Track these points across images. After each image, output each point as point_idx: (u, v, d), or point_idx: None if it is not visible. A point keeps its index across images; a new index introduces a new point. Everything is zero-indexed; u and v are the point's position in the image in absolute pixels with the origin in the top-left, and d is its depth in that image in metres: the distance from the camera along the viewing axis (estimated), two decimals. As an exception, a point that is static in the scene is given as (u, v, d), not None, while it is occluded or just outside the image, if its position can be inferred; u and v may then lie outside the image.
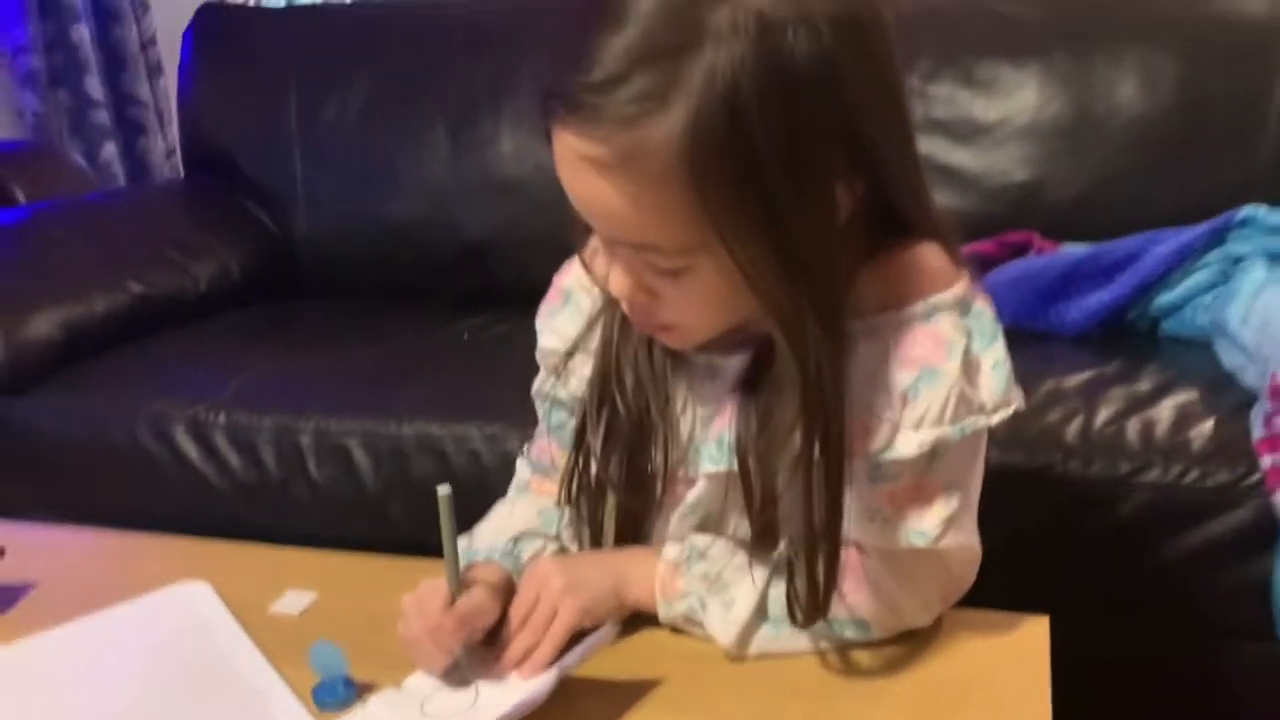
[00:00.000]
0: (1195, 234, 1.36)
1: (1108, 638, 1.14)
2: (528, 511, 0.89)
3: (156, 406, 1.48)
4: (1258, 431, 1.11)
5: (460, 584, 0.77)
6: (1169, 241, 1.38)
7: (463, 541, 0.85)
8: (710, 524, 0.80)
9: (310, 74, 2.00)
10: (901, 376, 0.69)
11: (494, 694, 0.74)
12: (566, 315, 0.85)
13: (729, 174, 0.60)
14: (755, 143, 0.59)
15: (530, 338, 1.63)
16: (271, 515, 1.42)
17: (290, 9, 2.76)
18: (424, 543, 1.35)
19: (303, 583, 0.92)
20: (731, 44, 0.58)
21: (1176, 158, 1.55)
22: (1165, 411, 1.17)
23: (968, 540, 0.74)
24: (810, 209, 0.63)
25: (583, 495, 0.83)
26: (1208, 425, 1.14)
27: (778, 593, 0.76)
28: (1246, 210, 1.35)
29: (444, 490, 0.77)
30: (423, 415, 1.39)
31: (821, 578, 0.71)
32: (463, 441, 1.36)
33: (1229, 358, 1.25)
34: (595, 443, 0.80)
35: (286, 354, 1.59)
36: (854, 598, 0.75)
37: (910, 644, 0.78)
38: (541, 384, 0.88)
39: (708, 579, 0.77)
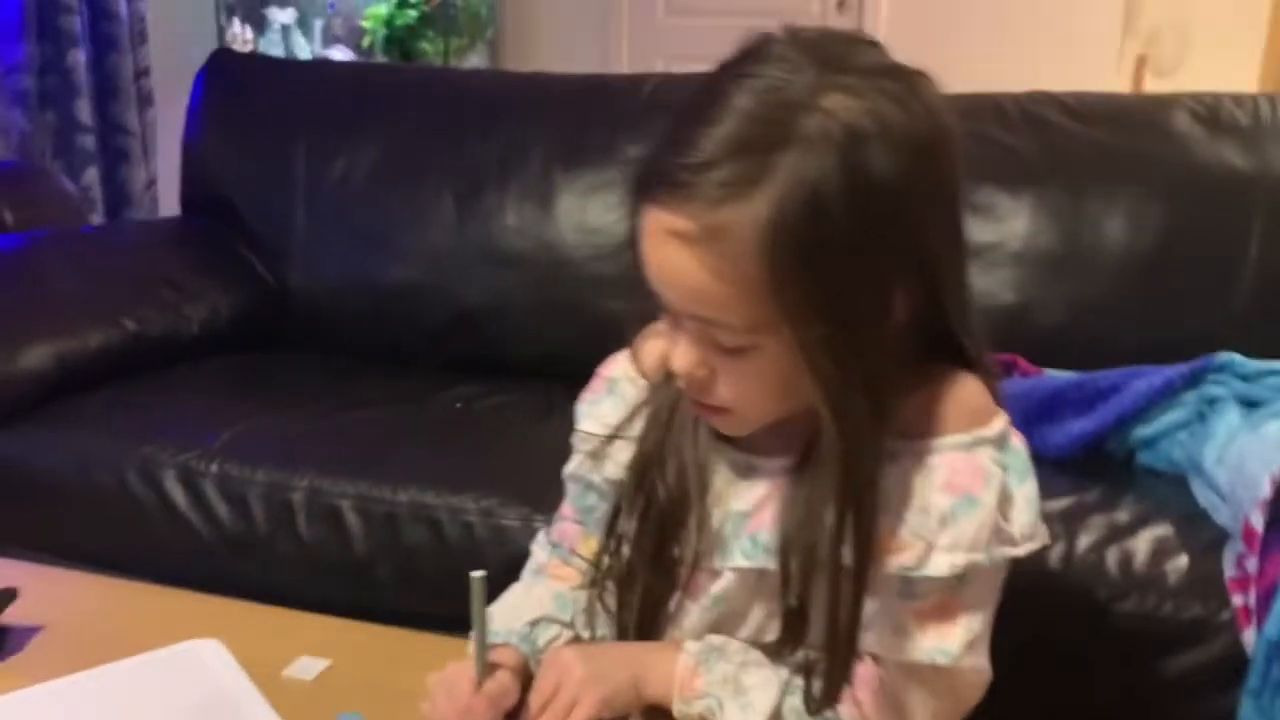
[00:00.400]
0: (1174, 373, 1.43)
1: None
2: (544, 596, 0.91)
3: (147, 450, 1.48)
4: (1229, 571, 1.16)
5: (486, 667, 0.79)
6: (1149, 377, 1.44)
7: None
8: (731, 617, 0.83)
9: (321, 129, 2.03)
10: (942, 501, 0.73)
11: None
12: (610, 403, 0.89)
13: (802, 263, 0.66)
14: (829, 239, 0.66)
15: (523, 413, 1.68)
16: (256, 569, 1.42)
17: (307, 63, 2.81)
18: (408, 611, 1.38)
19: (315, 648, 0.93)
20: (819, 149, 0.65)
21: (1157, 296, 1.63)
22: (1143, 543, 1.22)
23: (983, 662, 0.77)
24: (870, 305, 0.69)
25: (611, 578, 0.86)
26: (1183, 560, 1.20)
27: (794, 701, 0.78)
28: (1223, 356, 1.42)
29: (478, 575, 0.79)
30: (417, 483, 1.41)
31: (835, 677, 0.75)
32: (457, 513, 1.38)
33: (1203, 495, 1.31)
34: (629, 526, 0.83)
35: (279, 408, 1.60)
36: (868, 709, 0.77)
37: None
38: (576, 468, 0.91)
39: (727, 681, 0.79)
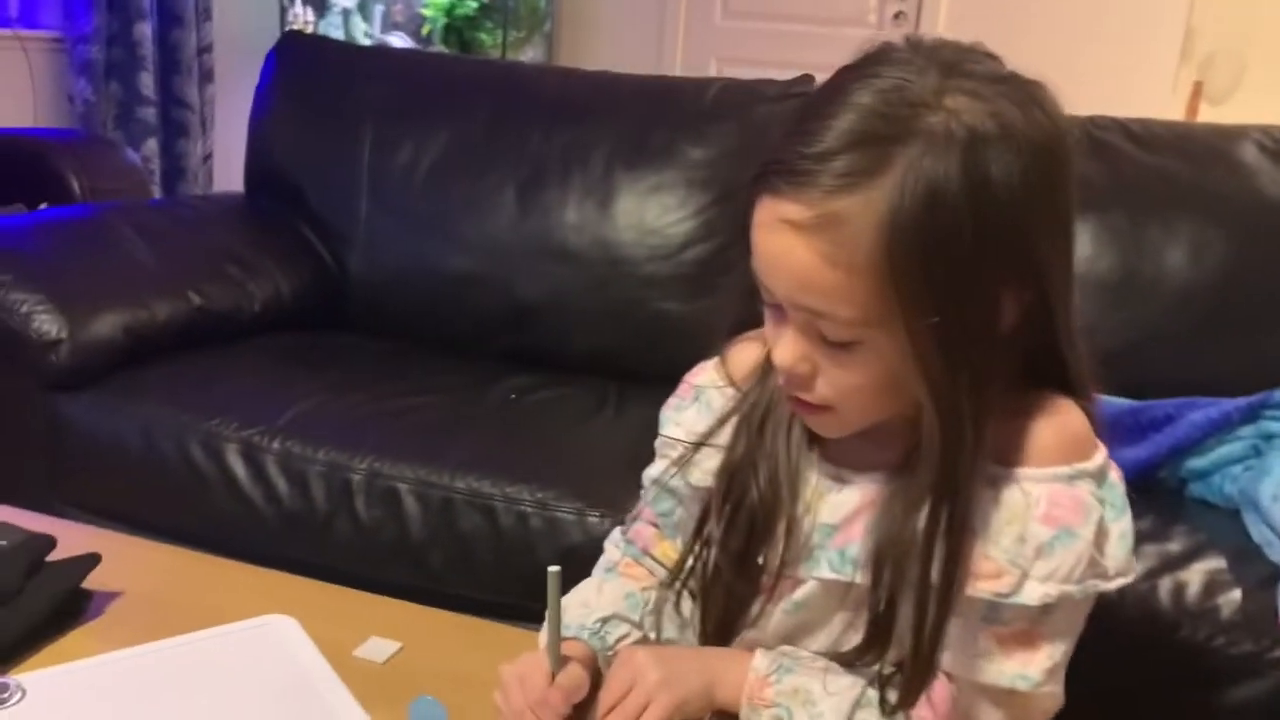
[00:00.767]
0: (1233, 406, 1.43)
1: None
2: (615, 594, 0.92)
3: (211, 424, 1.51)
4: (1283, 608, 1.17)
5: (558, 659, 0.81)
6: (1206, 409, 1.45)
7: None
8: (810, 625, 0.84)
9: (388, 116, 2.05)
10: (1040, 531, 0.74)
11: None
12: (695, 410, 0.90)
13: (917, 256, 0.66)
14: (946, 234, 0.66)
15: (576, 409, 1.70)
16: (312, 547, 1.45)
17: (376, 49, 2.84)
18: (460, 596, 1.40)
19: (385, 630, 0.95)
20: (941, 146, 0.66)
21: (1217, 328, 1.63)
22: (1195, 575, 1.23)
23: (1059, 690, 0.78)
24: (982, 305, 0.70)
25: (696, 581, 0.87)
26: (1236, 594, 1.20)
27: (863, 715, 0.78)
28: (1283, 393, 1.43)
29: (554, 570, 0.80)
30: (475, 471, 1.43)
31: (912, 690, 0.76)
32: (513, 502, 1.40)
33: (1257, 531, 1.32)
34: (716, 531, 0.84)
35: (339, 389, 1.62)
36: None
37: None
38: (659, 473, 0.92)
39: (798, 692, 0.80)
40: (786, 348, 0.74)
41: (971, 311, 0.69)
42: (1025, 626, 0.75)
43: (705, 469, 0.87)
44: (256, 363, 1.73)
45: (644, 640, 0.91)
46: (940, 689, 0.78)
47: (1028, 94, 0.70)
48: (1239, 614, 1.18)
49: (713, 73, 3.77)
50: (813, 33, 3.86)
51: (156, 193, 3.34)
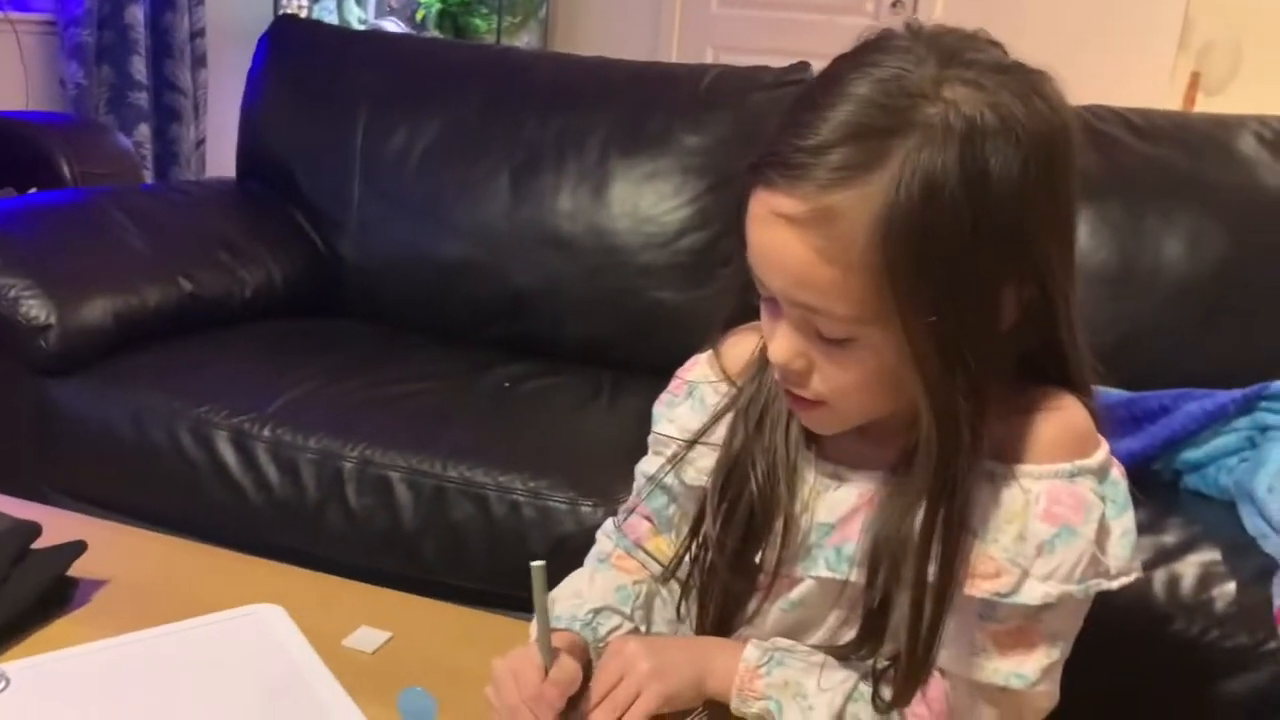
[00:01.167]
0: (1228, 398, 1.43)
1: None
2: (606, 586, 0.92)
3: (201, 411, 1.50)
4: (1278, 601, 1.16)
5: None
6: (1201, 401, 1.44)
7: None
8: (807, 622, 0.83)
9: (381, 101, 2.04)
10: (1041, 529, 0.72)
11: None
12: (688, 407, 0.88)
13: (915, 251, 0.65)
14: (944, 229, 0.65)
15: (570, 397, 1.69)
16: (303, 536, 1.44)
17: (370, 33, 2.82)
18: (452, 585, 1.39)
19: (374, 620, 0.94)
20: (939, 138, 0.64)
21: (1214, 319, 1.62)
22: (1190, 567, 1.22)
23: (1055, 689, 0.77)
24: (981, 300, 0.68)
25: (691, 578, 0.86)
26: (1230, 587, 1.20)
27: (855, 709, 0.78)
28: (1278, 384, 1.42)
29: (538, 564, 0.79)
30: (467, 460, 1.42)
31: (908, 687, 0.75)
32: (505, 492, 1.39)
33: (1252, 523, 1.31)
34: (713, 530, 0.83)
35: (331, 376, 1.61)
36: None
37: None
38: (653, 469, 0.90)
39: (789, 684, 0.79)
40: (782, 344, 0.72)
41: (970, 309, 0.68)
42: (1022, 624, 0.74)
43: (700, 467, 0.86)
44: (247, 349, 1.72)
45: (635, 632, 0.90)
46: (935, 687, 0.77)
47: (1030, 84, 0.68)
48: (1234, 606, 1.17)
49: (709, 60, 3.76)
50: (809, 20, 3.84)
51: (149, 178, 3.31)
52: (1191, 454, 1.44)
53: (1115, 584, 0.75)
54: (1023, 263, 0.69)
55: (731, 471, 0.83)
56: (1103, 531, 0.74)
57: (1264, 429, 1.42)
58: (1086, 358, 0.77)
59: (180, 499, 1.50)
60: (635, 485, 0.94)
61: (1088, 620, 1.10)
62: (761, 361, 0.84)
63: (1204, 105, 3.69)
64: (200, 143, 3.59)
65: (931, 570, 0.72)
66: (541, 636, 0.80)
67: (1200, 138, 1.73)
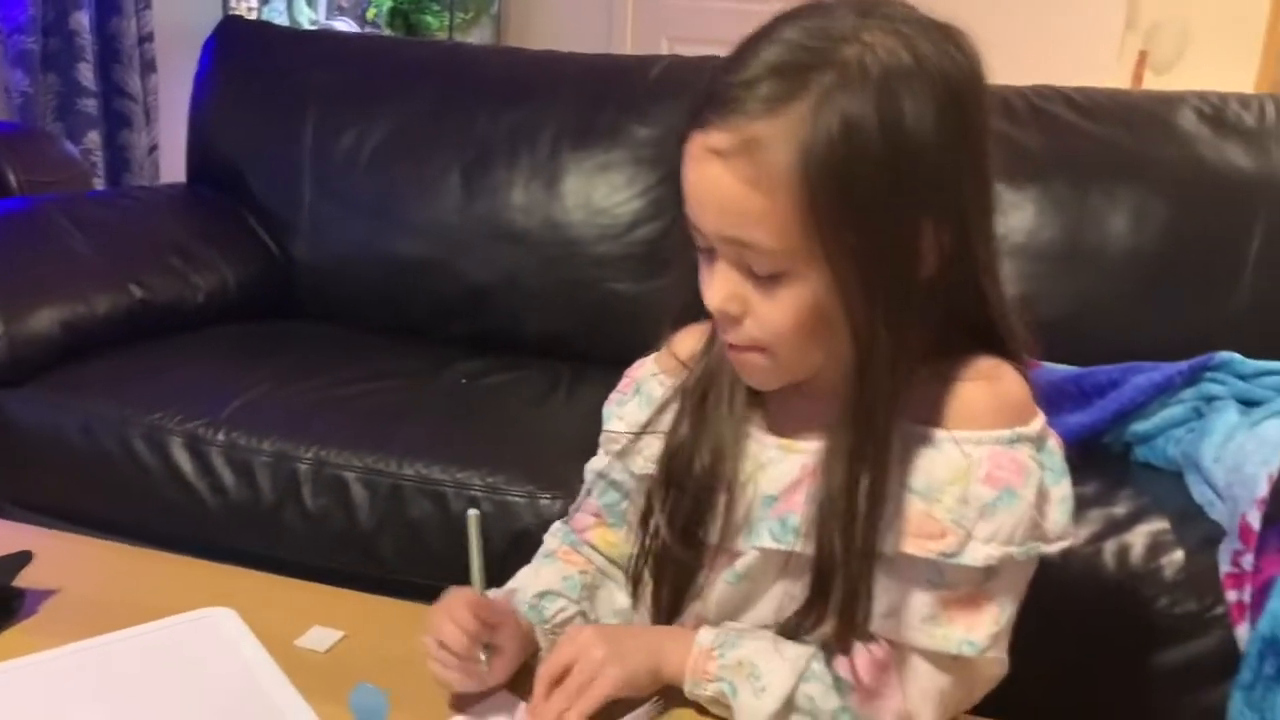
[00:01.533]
0: (1174, 370, 1.45)
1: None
2: (552, 575, 0.93)
3: (154, 417, 1.49)
4: (1225, 567, 1.18)
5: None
6: (1149, 374, 1.46)
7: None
8: (754, 594, 0.84)
9: (330, 101, 2.03)
10: (983, 492, 0.74)
11: None
12: (636, 403, 0.90)
13: (835, 183, 0.68)
14: (860, 163, 0.68)
15: (528, 391, 1.69)
16: (262, 539, 1.44)
17: (317, 33, 2.80)
18: (412, 584, 1.39)
19: (327, 619, 0.93)
20: (856, 76, 0.69)
21: (1159, 293, 1.65)
22: (1139, 537, 1.24)
23: (1004, 655, 0.78)
24: (898, 236, 0.71)
25: (644, 562, 0.87)
26: (1178, 555, 1.22)
27: (808, 688, 0.78)
28: (1222, 355, 1.44)
29: (474, 513, 0.83)
30: (423, 457, 1.42)
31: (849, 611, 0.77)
32: (462, 488, 1.39)
33: (1199, 491, 1.33)
34: (660, 510, 0.85)
35: (285, 378, 1.60)
36: (883, 700, 0.78)
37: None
38: (603, 466, 0.92)
39: (742, 665, 0.80)
40: (717, 286, 0.75)
41: (889, 242, 0.71)
42: (970, 590, 0.75)
43: (647, 456, 0.87)
44: (201, 354, 1.70)
45: (581, 617, 0.91)
46: (879, 652, 0.78)
47: (945, 34, 0.72)
48: (1182, 574, 1.19)
49: (664, 51, 3.76)
50: (762, 10, 3.80)
51: (100, 185, 3.27)
52: (1140, 426, 1.47)
53: (1054, 548, 0.77)
54: (938, 202, 0.72)
55: (676, 453, 0.84)
56: (1041, 497, 0.76)
57: (1210, 399, 1.44)
58: (1018, 325, 0.79)
59: (135, 506, 1.49)
60: (585, 484, 0.95)
61: (1039, 590, 1.12)
62: (706, 346, 0.86)
63: (1152, 84, 3.73)
64: (153, 149, 3.55)
65: (857, 528, 0.74)
66: (477, 585, 0.83)
67: (1142, 115, 1.75)
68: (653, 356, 0.91)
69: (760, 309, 0.74)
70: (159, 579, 1.01)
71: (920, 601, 0.76)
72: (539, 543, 0.99)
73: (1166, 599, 1.18)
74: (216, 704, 0.83)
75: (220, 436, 1.46)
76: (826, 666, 0.78)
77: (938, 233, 0.72)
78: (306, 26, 3.69)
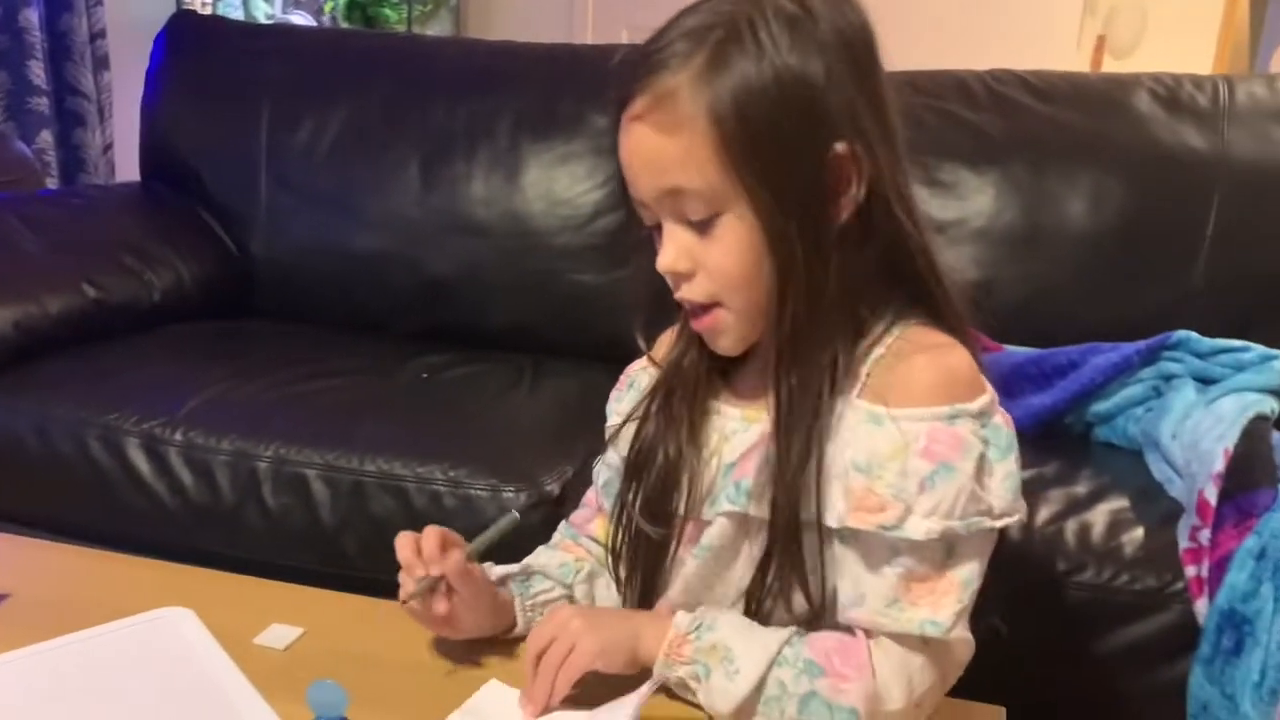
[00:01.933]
0: (1132, 350, 1.46)
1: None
2: (548, 560, 0.96)
3: (109, 418, 1.47)
4: (1183, 543, 1.19)
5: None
6: (1108, 354, 1.47)
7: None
8: (723, 562, 0.84)
9: (285, 95, 2.00)
10: (921, 465, 0.75)
11: None
12: (630, 396, 0.94)
13: (740, 125, 0.74)
14: (757, 101, 0.74)
15: (490, 384, 1.68)
16: (222, 539, 1.42)
17: (271, 26, 2.76)
18: (376, 580, 1.37)
19: (286, 616, 0.93)
20: (749, 28, 0.75)
21: (1117, 274, 1.66)
22: (1100, 516, 1.25)
23: (969, 635, 0.79)
24: (806, 175, 0.76)
25: (621, 543, 0.90)
26: (1138, 532, 1.23)
27: (779, 673, 0.78)
28: (1180, 334, 1.45)
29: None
30: (385, 453, 1.41)
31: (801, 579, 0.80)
32: (425, 483, 1.38)
33: (1158, 469, 1.34)
34: (628, 489, 0.88)
35: (244, 376, 1.58)
36: (852, 684, 0.77)
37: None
38: (604, 456, 0.95)
39: (716, 649, 0.80)
40: (666, 249, 0.79)
41: (795, 171, 0.75)
42: (929, 571, 0.76)
43: (629, 439, 0.90)
44: (157, 353, 1.68)
45: (567, 600, 0.94)
46: (859, 651, 0.78)
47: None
48: (1141, 550, 1.20)
49: (624, 42, 3.74)
50: (723, -1, 3.84)
51: (54, 185, 3.22)
52: (1100, 406, 1.48)
53: (1000, 523, 0.77)
54: (837, 134, 0.76)
55: (642, 434, 0.88)
56: (984, 472, 0.77)
57: (1168, 378, 1.45)
58: (955, 292, 0.83)
59: (92, 509, 1.46)
60: (594, 478, 0.98)
61: (1001, 568, 1.13)
62: (673, 345, 0.90)
63: (1111, 69, 3.76)
64: (108, 147, 3.49)
65: (782, 491, 0.78)
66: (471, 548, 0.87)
67: (1098, 97, 1.76)
68: (646, 355, 0.95)
69: (707, 259, 0.78)
70: (114, 580, 0.99)
71: (883, 585, 0.77)
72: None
73: (1127, 575, 1.19)
74: (174, 704, 0.82)
75: (178, 436, 1.44)
76: (799, 651, 0.79)
77: (842, 174, 0.76)
78: (262, 21, 3.65)
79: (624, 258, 1.84)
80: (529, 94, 1.93)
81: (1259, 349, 1.41)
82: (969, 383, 0.78)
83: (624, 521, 0.90)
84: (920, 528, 0.74)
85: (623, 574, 0.91)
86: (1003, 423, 0.79)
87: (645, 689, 0.79)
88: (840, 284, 0.77)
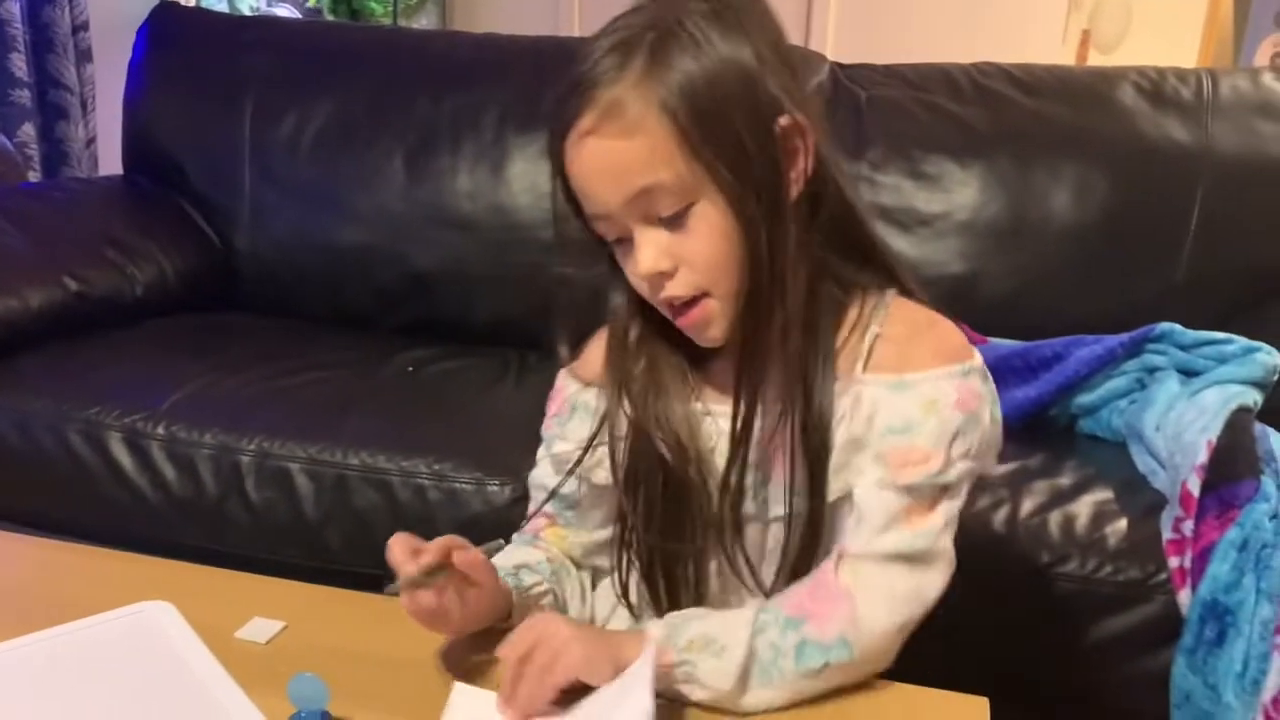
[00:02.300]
0: (1116, 342, 1.46)
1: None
2: (526, 555, 0.95)
3: (91, 412, 1.46)
4: (1167, 534, 1.20)
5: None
6: (1092, 347, 1.48)
7: None
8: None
9: (269, 87, 1.99)
10: (955, 416, 0.81)
11: None
12: (578, 420, 0.92)
13: (688, 107, 0.76)
14: (699, 84, 0.76)
15: (475, 377, 1.67)
16: (206, 533, 1.41)
17: (254, 18, 2.74)
18: (360, 574, 1.37)
19: (267, 610, 0.92)
20: (672, 24, 0.78)
21: (1101, 267, 1.67)
22: (1084, 507, 1.26)
23: (951, 547, 0.84)
24: (758, 148, 0.78)
25: (629, 563, 0.91)
26: (1122, 524, 1.23)
27: (765, 638, 0.80)
28: (1163, 326, 1.46)
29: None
30: (369, 446, 1.40)
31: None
32: (409, 476, 1.38)
33: (1142, 461, 1.35)
34: (637, 515, 0.88)
35: (227, 370, 1.58)
36: (833, 616, 0.81)
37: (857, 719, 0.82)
38: (556, 483, 0.94)
39: (694, 643, 0.80)
40: (645, 254, 0.79)
41: (754, 154, 0.77)
42: (931, 498, 0.82)
43: (607, 466, 0.89)
44: (139, 348, 1.67)
45: (553, 596, 0.93)
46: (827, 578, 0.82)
47: None
48: (1125, 542, 1.21)
49: (611, 36, 3.73)
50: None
51: (37, 179, 3.20)
52: (1085, 398, 1.48)
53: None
54: (780, 109, 0.79)
55: (636, 450, 0.87)
56: (991, 420, 0.84)
57: (1151, 370, 1.46)
58: (893, 253, 0.88)
59: (75, 504, 1.45)
60: (534, 498, 0.97)
61: (987, 560, 1.14)
62: (609, 349, 0.90)
63: (1097, 63, 3.77)
64: (91, 141, 3.47)
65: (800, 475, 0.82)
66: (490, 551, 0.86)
67: (1082, 90, 1.77)
68: (568, 372, 0.94)
69: (687, 253, 0.79)
70: (94, 575, 0.98)
71: (878, 515, 0.81)
72: (488, 529, 1.01)
73: (1111, 567, 1.19)
74: (154, 698, 0.81)
75: (160, 430, 1.43)
76: (777, 613, 0.81)
77: (790, 140, 0.79)
78: (246, 13, 3.62)
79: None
80: (514, 87, 1.92)
81: (1242, 341, 1.42)
82: (965, 345, 0.85)
83: (630, 545, 0.90)
84: (955, 471, 0.81)
85: (644, 596, 0.92)
86: (989, 378, 0.86)
87: (646, 663, 0.76)
88: (802, 257, 0.81)
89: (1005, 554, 1.20)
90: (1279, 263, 1.64)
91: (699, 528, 0.87)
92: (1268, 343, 1.40)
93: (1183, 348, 1.45)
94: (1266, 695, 1.04)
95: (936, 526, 0.82)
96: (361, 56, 2.00)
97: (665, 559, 0.89)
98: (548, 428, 0.96)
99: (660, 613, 0.90)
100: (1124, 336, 1.47)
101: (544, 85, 1.92)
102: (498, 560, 0.91)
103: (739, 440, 0.83)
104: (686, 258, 0.79)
